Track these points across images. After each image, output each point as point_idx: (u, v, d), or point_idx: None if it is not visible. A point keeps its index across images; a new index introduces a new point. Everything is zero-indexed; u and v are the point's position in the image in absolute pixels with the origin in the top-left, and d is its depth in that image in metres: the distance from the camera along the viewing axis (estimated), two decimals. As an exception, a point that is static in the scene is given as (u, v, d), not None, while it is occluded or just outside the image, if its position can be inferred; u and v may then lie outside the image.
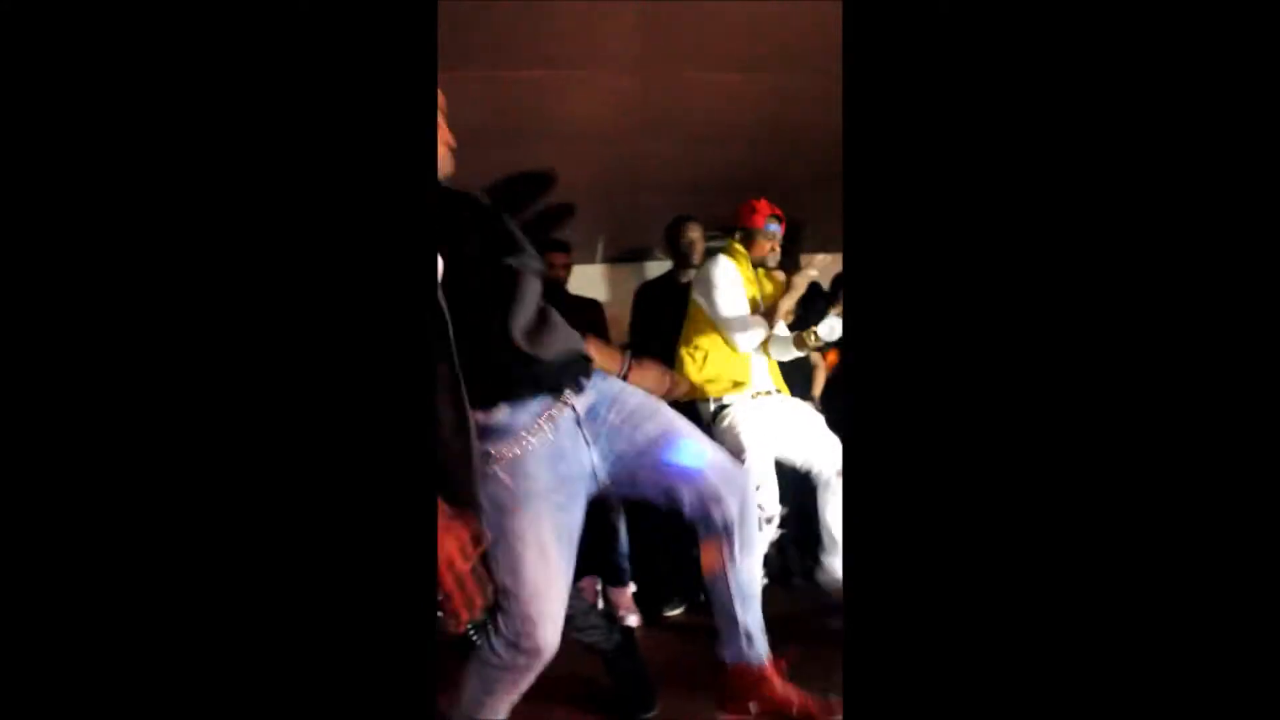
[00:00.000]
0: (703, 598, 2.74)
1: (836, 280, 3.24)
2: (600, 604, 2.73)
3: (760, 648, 1.50)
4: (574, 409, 1.38)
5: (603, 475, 1.41)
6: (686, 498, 1.42)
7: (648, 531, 2.81)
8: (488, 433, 1.33)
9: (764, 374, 2.53)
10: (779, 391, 2.53)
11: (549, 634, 1.31)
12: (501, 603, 1.34)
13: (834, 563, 2.43)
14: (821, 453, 2.40)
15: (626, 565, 2.75)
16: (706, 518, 1.43)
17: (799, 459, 2.45)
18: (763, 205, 2.59)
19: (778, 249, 2.61)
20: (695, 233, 3.01)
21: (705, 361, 2.47)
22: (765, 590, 1.65)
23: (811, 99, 2.59)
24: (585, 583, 2.73)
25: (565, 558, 1.35)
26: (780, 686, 1.48)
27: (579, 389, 1.39)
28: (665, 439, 1.41)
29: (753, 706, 1.49)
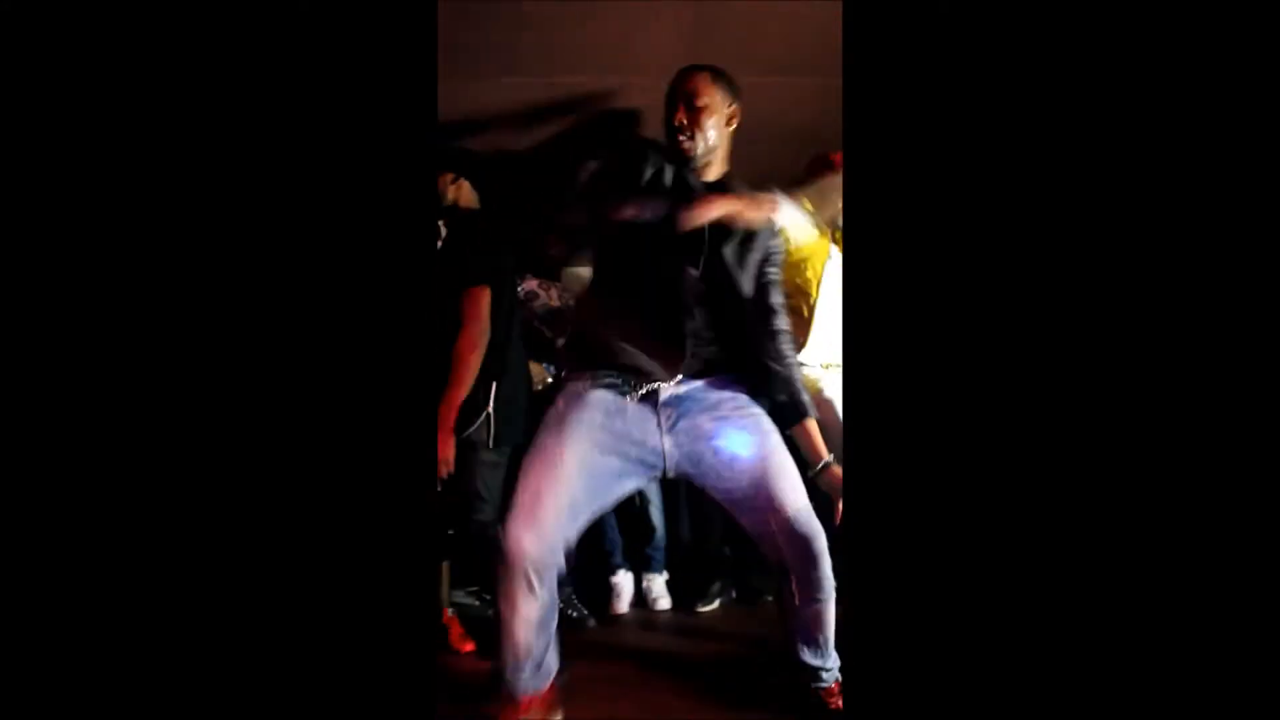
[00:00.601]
0: (734, 594, 2.77)
1: None
2: (630, 590, 2.77)
3: (825, 664, 1.56)
4: (658, 391, 1.44)
5: (671, 468, 1.46)
6: (764, 547, 1.51)
7: (687, 524, 2.88)
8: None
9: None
10: None
11: (527, 542, 1.30)
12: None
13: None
14: None
15: (660, 555, 2.81)
16: (780, 564, 1.51)
17: None
18: (840, 159, 2.35)
19: None
20: None
21: None
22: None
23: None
24: (619, 577, 2.78)
25: (580, 487, 1.36)
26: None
27: (669, 380, 1.45)
28: (756, 487, 1.45)
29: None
